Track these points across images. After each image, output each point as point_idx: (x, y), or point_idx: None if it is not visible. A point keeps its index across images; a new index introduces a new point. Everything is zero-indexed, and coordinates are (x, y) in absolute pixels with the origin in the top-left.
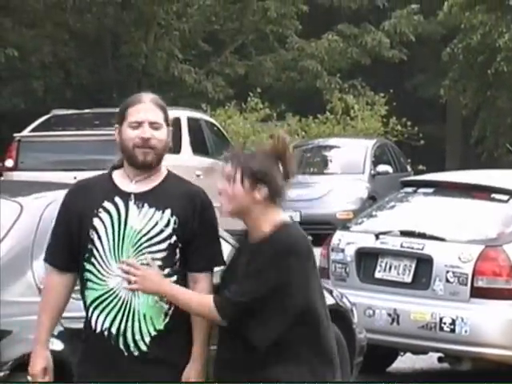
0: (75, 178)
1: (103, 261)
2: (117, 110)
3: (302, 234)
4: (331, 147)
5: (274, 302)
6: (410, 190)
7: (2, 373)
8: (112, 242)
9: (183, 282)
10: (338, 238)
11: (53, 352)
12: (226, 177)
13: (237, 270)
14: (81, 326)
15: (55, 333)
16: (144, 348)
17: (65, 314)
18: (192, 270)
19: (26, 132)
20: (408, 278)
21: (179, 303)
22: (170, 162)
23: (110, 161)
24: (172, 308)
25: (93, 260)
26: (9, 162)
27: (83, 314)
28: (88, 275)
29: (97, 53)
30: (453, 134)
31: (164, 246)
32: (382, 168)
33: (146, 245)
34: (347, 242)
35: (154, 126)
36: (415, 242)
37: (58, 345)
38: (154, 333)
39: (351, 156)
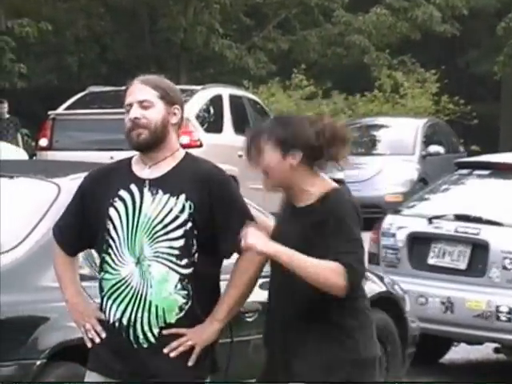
0: (112, 158)
1: (118, 250)
2: None
3: (352, 198)
4: (379, 127)
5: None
6: (464, 171)
7: (39, 361)
8: (126, 231)
9: (200, 278)
10: (389, 222)
11: None
12: (255, 149)
13: (291, 237)
14: None
15: None
16: (153, 340)
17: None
18: (227, 254)
19: (60, 110)
20: (463, 265)
21: (300, 264)
22: (210, 142)
23: None
24: (189, 303)
25: (109, 250)
26: (43, 141)
27: None
28: (105, 266)
29: (133, 27)
30: (507, 113)
31: (180, 232)
32: (433, 149)
33: (161, 232)
34: (399, 227)
35: (142, 104)
36: (470, 226)
37: None
38: (163, 325)
39: (400, 136)
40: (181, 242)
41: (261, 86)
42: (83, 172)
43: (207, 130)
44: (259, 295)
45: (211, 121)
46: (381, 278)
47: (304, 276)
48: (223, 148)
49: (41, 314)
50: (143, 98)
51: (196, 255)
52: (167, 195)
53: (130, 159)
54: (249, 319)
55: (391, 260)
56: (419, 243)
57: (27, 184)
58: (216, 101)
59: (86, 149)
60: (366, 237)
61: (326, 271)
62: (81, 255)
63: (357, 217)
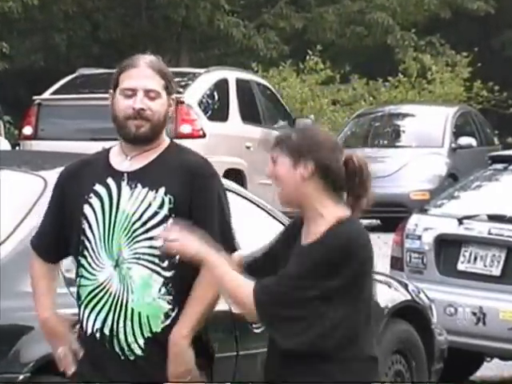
0: (104, 148)
1: (94, 253)
2: None
3: (359, 231)
4: (404, 115)
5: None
6: (499, 166)
7: (22, 375)
8: (102, 231)
9: (183, 281)
10: (415, 222)
11: None
12: (270, 159)
13: (279, 259)
14: None
15: None
16: (139, 352)
17: None
18: None
19: (47, 94)
20: (496, 271)
21: (216, 276)
22: (215, 131)
23: None
24: (176, 310)
25: (85, 253)
26: (27, 130)
27: None
28: (81, 271)
29: (128, 2)
30: None
31: (161, 230)
32: (464, 140)
33: (140, 231)
34: (425, 228)
35: (149, 95)
36: (506, 228)
37: None
38: (148, 335)
39: (428, 126)
40: (162, 241)
41: (271, 70)
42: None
43: (211, 119)
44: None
45: (216, 108)
46: (405, 286)
47: (219, 287)
48: (229, 138)
49: (24, 322)
50: (151, 87)
51: (177, 256)
52: (146, 189)
53: (108, 151)
54: (256, 330)
55: (416, 265)
56: (448, 246)
57: (9, 177)
58: (221, 85)
59: (76, 138)
60: (389, 239)
61: (239, 288)
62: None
63: (339, 259)
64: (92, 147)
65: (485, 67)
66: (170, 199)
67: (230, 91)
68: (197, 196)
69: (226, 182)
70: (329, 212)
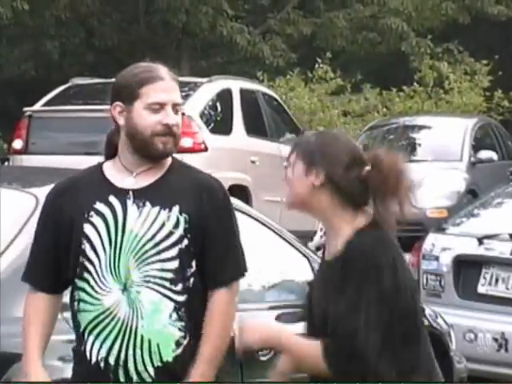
0: (99, 163)
1: (98, 276)
2: None
3: (383, 239)
4: (420, 127)
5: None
6: None
7: None
8: (109, 252)
9: (195, 306)
10: (431, 242)
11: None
12: (286, 163)
13: (318, 303)
14: None
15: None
16: (149, 380)
17: None
18: (212, 284)
19: (38, 106)
20: None
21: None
22: (217, 145)
23: None
24: (187, 338)
25: (86, 276)
26: (17, 143)
27: None
28: (81, 294)
29: (125, 6)
30: None
31: (174, 252)
32: (484, 154)
33: (152, 252)
34: (443, 248)
35: (175, 108)
36: None
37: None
38: (158, 364)
39: (445, 139)
40: (175, 264)
41: (278, 79)
42: None
43: (214, 131)
44: None
45: (218, 120)
46: (421, 310)
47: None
48: (233, 152)
49: (16, 350)
50: (178, 100)
51: (191, 280)
52: (157, 208)
53: (99, 167)
54: (263, 358)
55: (434, 288)
56: (467, 268)
57: None
58: (224, 96)
59: (69, 153)
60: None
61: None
62: None
63: (375, 272)
64: (86, 162)
65: (506, 76)
66: (185, 218)
67: (233, 102)
68: (214, 217)
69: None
70: (346, 222)
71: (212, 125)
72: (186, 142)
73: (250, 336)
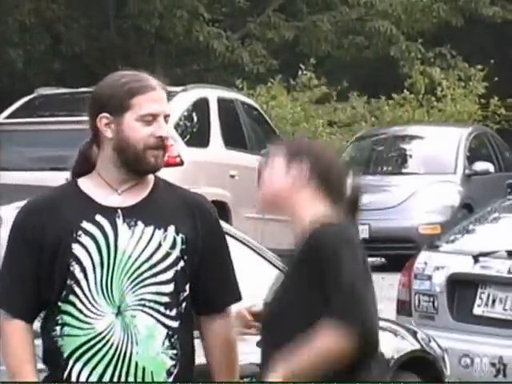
0: (67, 179)
1: (87, 298)
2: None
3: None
4: (411, 138)
5: None
6: None
7: None
8: (100, 274)
9: (187, 333)
10: (424, 260)
11: None
12: (260, 167)
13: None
14: None
15: None
16: None
17: None
18: (206, 310)
19: (1, 118)
20: None
21: (303, 368)
22: (194, 158)
23: None
24: (178, 367)
25: (72, 299)
26: None
27: None
28: (65, 318)
29: (94, 11)
30: None
31: (170, 274)
32: (480, 166)
33: (147, 274)
34: (436, 267)
35: (166, 120)
36: None
37: None
38: None
39: (438, 150)
40: (171, 287)
41: (258, 87)
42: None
43: (190, 144)
44: (257, 355)
45: (195, 132)
46: (413, 333)
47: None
48: (210, 166)
49: None
50: (168, 111)
51: (184, 304)
52: (151, 227)
53: (73, 184)
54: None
55: (427, 309)
56: (462, 288)
57: None
58: (201, 106)
59: (34, 168)
60: (395, 279)
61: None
62: None
63: (350, 250)
64: (53, 178)
65: (502, 82)
66: (182, 239)
67: (210, 112)
68: (209, 238)
69: None
70: (308, 208)
71: (188, 137)
72: None
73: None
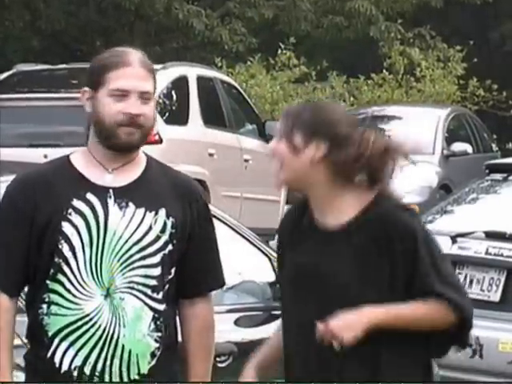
0: (46, 156)
1: (76, 278)
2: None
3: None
4: (390, 118)
5: None
6: (498, 176)
7: None
8: (89, 254)
9: (171, 316)
10: None
11: None
12: (277, 134)
13: (337, 273)
14: None
15: None
16: None
17: None
18: (190, 293)
19: None
20: (495, 296)
21: (405, 321)
22: (173, 136)
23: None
24: (161, 349)
25: (60, 277)
26: None
27: None
28: (52, 297)
29: None
30: None
31: (158, 258)
32: (458, 147)
33: (137, 257)
34: None
35: (144, 97)
36: (505, 247)
37: None
38: (135, 377)
39: (417, 130)
40: (158, 270)
41: (238, 65)
42: (9, 175)
43: (168, 122)
44: (234, 334)
45: (174, 110)
46: None
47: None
48: (189, 144)
49: None
50: (146, 89)
51: (167, 287)
52: (142, 209)
53: (66, 159)
54: (221, 365)
55: None
56: None
57: None
58: (180, 84)
59: (12, 145)
60: None
61: (431, 315)
62: None
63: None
64: (31, 155)
65: (482, 63)
66: (172, 223)
67: (190, 90)
68: (197, 223)
69: None
70: (351, 196)
71: (167, 115)
72: None
73: (347, 336)
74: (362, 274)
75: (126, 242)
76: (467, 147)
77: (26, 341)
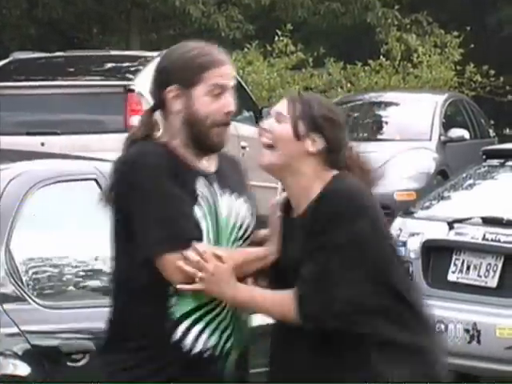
0: (43, 144)
1: None
2: (106, 52)
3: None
4: (387, 104)
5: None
6: (495, 162)
7: None
8: (212, 239)
9: None
10: (399, 227)
11: (16, 378)
12: (274, 115)
13: (294, 260)
14: (55, 342)
15: (19, 352)
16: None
17: (32, 328)
18: None
19: None
20: (492, 282)
21: (256, 307)
22: None
23: (89, 122)
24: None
25: None
26: None
27: (57, 327)
28: None
29: None
30: None
31: (247, 242)
32: (455, 133)
33: (240, 243)
34: (411, 233)
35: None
36: (502, 232)
37: (22, 368)
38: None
39: (414, 116)
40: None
41: (234, 52)
42: (8, 163)
43: None
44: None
45: None
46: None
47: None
48: None
49: None
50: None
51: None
52: (234, 195)
53: (165, 146)
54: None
55: None
56: (437, 254)
57: None
58: None
59: (9, 133)
60: None
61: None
62: (3, 270)
63: (357, 213)
64: (28, 142)
65: (479, 49)
66: (252, 209)
67: None
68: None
69: None
70: (318, 184)
71: None
72: (135, 121)
73: (216, 286)
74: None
75: (233, 227)
76: (464, 133)
77: (23, 329)
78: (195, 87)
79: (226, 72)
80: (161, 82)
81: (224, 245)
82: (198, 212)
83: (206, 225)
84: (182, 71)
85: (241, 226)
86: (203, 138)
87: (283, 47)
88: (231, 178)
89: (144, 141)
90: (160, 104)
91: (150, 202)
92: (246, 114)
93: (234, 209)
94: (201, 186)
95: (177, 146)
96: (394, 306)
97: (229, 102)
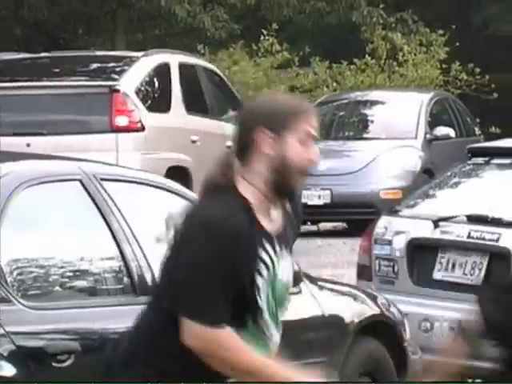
0: (28, 145)
1: (265, 321)
2: (92, 53)
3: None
4: (372, 103)
5: None
6: (480, 160)
7: None
8: (272, 303)
9: None
10: (384, 225)
11: (1, 378)
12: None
13: None
14: (40, 343)
15: (4, 353)
16: None
17: (18, 329)
18: None
19: None
20: (478, 280)
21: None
22: (155, 124)
23: (75, 122)
24: None
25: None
26: None
27: (42, 327)
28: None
29: None
30: None
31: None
32: (440, 131)
33: (287, 301)
34: (396, 232)
35: None
36: (487, 230)
37: (8, 369)
38: None
39: (400, 115)
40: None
41: (220, 52)
42: None
43: (151, 109)
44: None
45: (156, 97)
46: (373, 298)
47: None
48: (171, 132)
49: None
50: None
51: None
52: (287, 251)
53: (246, 204)
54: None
55: (386, 274)
56: (422, 253)
57: None
58: (162, 71)
59: None
60: (356, 244)
61: None
62: None
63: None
64: (14, 143)
65: (464, 47)
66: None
67: (172, 77)
68: None
69: (168, 183)
70: None
71: (149, 102)
72: (120, 121)
73: None
74: None
75: (286, 287)
76: (450, 131)
77: (8, 330)
78: (288, 133)
79: (314, 122)
80: (251, 124)
81: (278, 302)
82: (259, 279)
83: (266, 289)
84: (276, 115)
85: (289, 284)
86: (286, 183)
87: (269, 46)
88: (287, 230)
89: (226, 193)
90: (247, 145)
91: (206, 264)
92: (231, 113)
93: (287, 269)
94: (264, 251)
95: (254, 197)
96: None
97: (316, 151)
